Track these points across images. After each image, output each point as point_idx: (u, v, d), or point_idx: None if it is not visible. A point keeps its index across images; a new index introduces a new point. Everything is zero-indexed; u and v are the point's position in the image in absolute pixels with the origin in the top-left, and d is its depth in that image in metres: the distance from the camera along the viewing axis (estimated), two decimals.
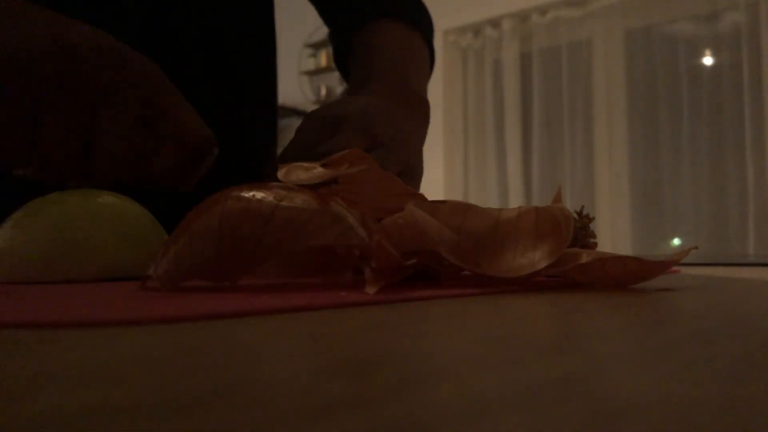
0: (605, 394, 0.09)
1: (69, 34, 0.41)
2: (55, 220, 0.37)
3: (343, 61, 0.69)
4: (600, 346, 0.13)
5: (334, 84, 3.59)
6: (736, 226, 2.49)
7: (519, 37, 3.00)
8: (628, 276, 0.30)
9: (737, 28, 2.49)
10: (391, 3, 0.64)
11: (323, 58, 3.59)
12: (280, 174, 0.32)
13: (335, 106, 0.52)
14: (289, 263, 0.34)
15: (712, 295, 0.27)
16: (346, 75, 0.70)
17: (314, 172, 0.31)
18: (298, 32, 3.63)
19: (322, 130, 0.49)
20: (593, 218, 0.37)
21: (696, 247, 0.33)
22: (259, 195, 0.28)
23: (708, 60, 2.60)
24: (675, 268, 0.47)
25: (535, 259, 0.30)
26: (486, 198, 3.01)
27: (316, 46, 3.61)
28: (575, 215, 0.36)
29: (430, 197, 0.34)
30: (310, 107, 3.65)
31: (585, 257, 0.30)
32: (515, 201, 2.90)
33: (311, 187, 0.30)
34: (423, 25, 0.65)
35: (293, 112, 3.67)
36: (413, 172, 0.51)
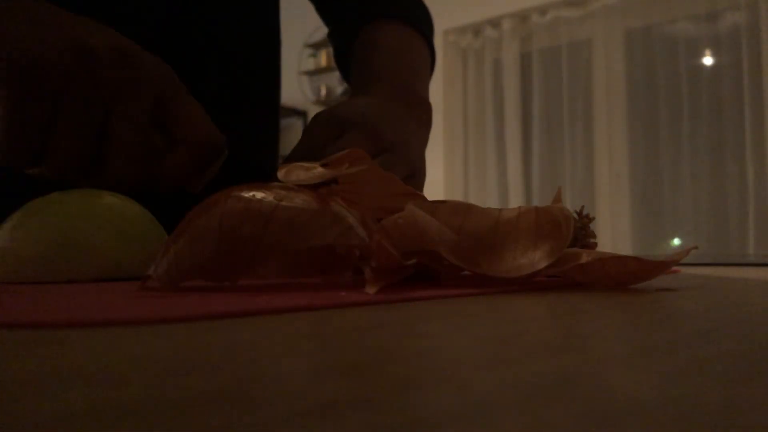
0: (605, 394, 0.09)
1: (86, 36, 0.41)
2: (55, 220, 0.37)
3: (343, 61, 0.69)
4: (600, 346, 0.13)
5: (334, 84, 3.59)
6: (736, 226, 2.49)
7: (519, 37, 3.00)
8: (628, 276, 0.30)
9: (737, 28, 2.49)
10: (392, 3, 0.64)
11: (323, 58, 3.59)
12: (280, 174, 0.32)
13: (341, 109, 0.52)
14: (289, 263, 0.34)
15: (712, 295, 0.27)
16: (346, 75, 0.70)
17: (314, 172, 0.31)
18: (298, 32, 3.63)
19: (328, 132, 0.50)
20: (593, 218, 0.37)
21: (696, 247, 0.33)
22: (259, 195, 0.28)
23: (708, 60, 2.60)
24: (675, 268, 0.47)
25: (535, 259, 0.30)
26: (486, 198, 3.02)
27: (316, 46, 3.61)
28: (575, 215, 0.36)
29: (430, 197, 0.34)
30: (310, 107, 3.66)
31: (585, 257, 0.30)
32: (515, 201, 2.91)
33: (311, 187, 0.30)
34: (423, 25, 0.65)
35: (293, 112, 3.67)
36: (418, 174, 0.52)
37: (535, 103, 2.94)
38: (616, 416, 0.08)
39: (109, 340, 0.14)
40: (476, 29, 3.11)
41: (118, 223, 0.38)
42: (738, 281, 0.36)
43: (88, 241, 0.37)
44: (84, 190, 0.40)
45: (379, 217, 0.32)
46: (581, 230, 0.36)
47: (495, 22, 3.03)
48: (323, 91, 3.61)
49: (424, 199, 0.34)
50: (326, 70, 3.59)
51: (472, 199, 3.03)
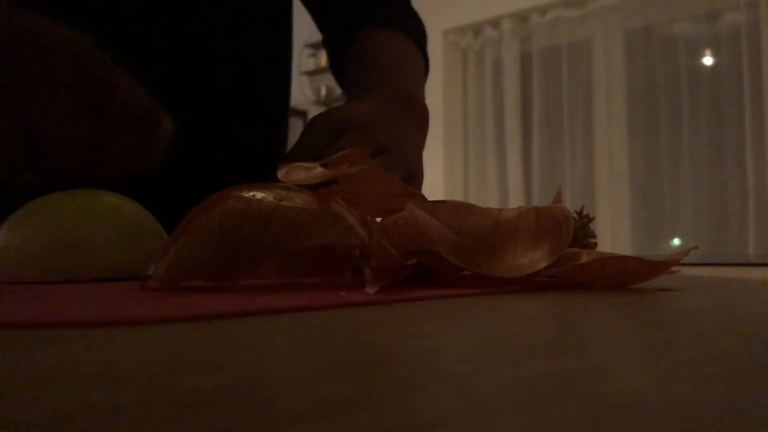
0: (605, 394, 0.09)
1: None
2: (55, 220, 0.37)
3: (338, 67, 0.69)
4: (600, 346, 0.13)
5: (334, 84, 3.57)
6: (736, 226, 2.49)
7: (519, 37, 3.00)
8: (628, 276, 0.30)
9: (737, 28, 2.49)
10: (386, 11, 0.64)
11: (323, 58, 3.59)
12: (280, 174, 0.32)
13: (339, 111, 0.52)
14: (289, 263, 0.34)
15: (712, 295, 0.27)
16: (341, 80, 0.70)
17: (314, 172, 0.31)
18: (298, 32, 3.60)
19: (327, 134, 0.49)
20: (593, 218, 0.37)
21: (696, 247, 0.33)
22: (259, 195, 0.28)
23: (708, 60, 2.60)
24: (675, 268, 0.47)
25: (535, 259, 0.30)
26: (486, 198, 3.02)
27: (316, 46, 3.61)
28: (575, 215, 0.36)
29: (430, 197, 0.34)
30: (310, 107, 3.66)
31: (585, 257, 0.30)
32: (515, 201, 2.91)
33: (311, 187, 0.30)
34: (416, 33, 0.65)
35: (293, 111, 3.67)
36: (415, 177, 0.52)
37: (535, 103, 2.94)
38: (616, 416, 0.08)
39: (109, 340, 0.14)
40: (476, 29, 3.11)
41: (118, 223, 0.38)
42: (738, 281, 0.36)
43: (88, 241, 0.37)
44: (84, 190, 0.40)
45: (379, 217, 0.32)
46: (581, 230, 0.36)
47: (495, 22, 3.03)
48: (323, 91, 3.61)
49: (424, 199, 0.34)
50: (326, 70, 3.58)
51: (472, 199, 3.03)
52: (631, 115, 2.74)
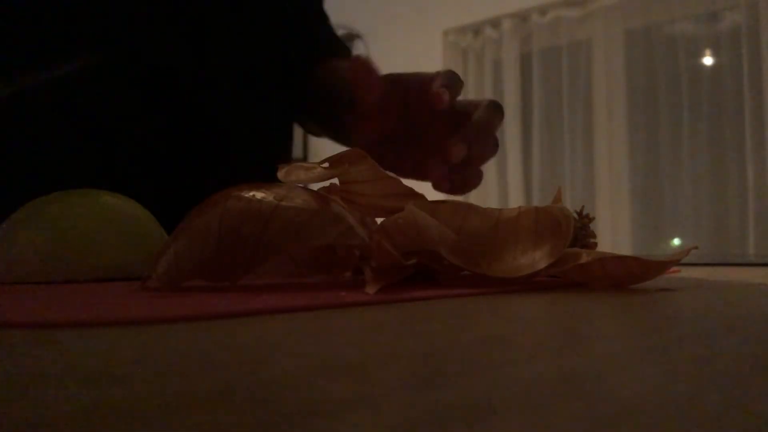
0: (605, 394, 0.09)
1: None
2: (55, 220, 0.37)
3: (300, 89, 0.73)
4: (600, 346, 0.13)
5: None
6: (736, 226, 2.49)
7: (519, 37, 3.00)
8: (628, 276, 0.30)
9: (737, 28, 2.49)
10: (337, 45, 0.76)
11: None
12: (280, 174, 0.32)
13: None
14: (289, 263, 0.34)
15: (712, 295, 0.27)
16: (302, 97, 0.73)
17: (314, 172, 0.31)
18: None
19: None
20: (593, 218, 0.37)
21: (696, 247, 0.33)
22: (259, 195, 0.28)
23: (708, 60, 2.60)
24: (675, 268, 0.47)
25: (535, 259, 0.30)
26: (486, 198, 3.01)
27: None
28: (575, 215, 0.36)
29: (430, 197, 0.34)
30: None
31: (585, 257, 0.30)
32: (515, 201, 2.90)
33: (311, 187, 0.30)
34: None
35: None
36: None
37: (535, 103, 2.93)
38: (616, 416, 0.08)
39: (109, 340, 0.14)
40: (476, 29, 3.11)
41: (118, 223, 0.38)
42: (738, 281, 0.36)
43: (88, 241, 0.37)
44: (84, 190, 0.40)
45: (379, 217, 0.32)
46: (581, 230, 0.36)
47: (495, 22, 3.03)
48: None
49: (424, 199, 0.34)
50: None
51: (472, 199, 3.02)
52: (631, 115, 2.74)
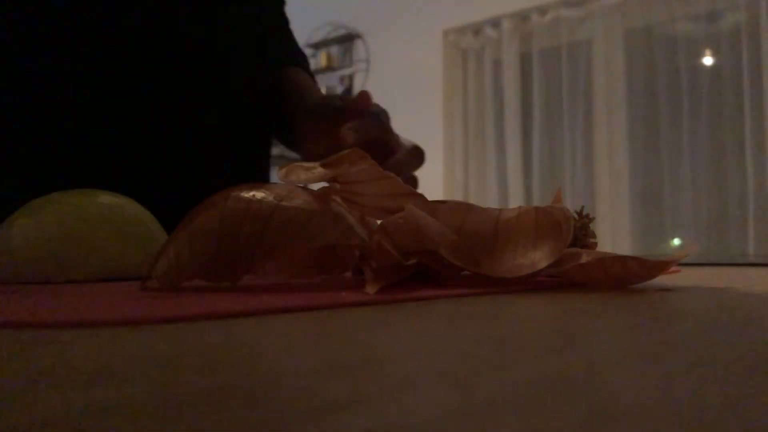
0: (605, 394, 0.09)
1: None
2: (55, 220, 0.37)
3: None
4: (600, 346, 0.13)
5: (334, 84, 3.59)
6: (736, 226, 2.49)
7: (519, 37, 3.00)
8: (628, 276, 0.30)
9: (737, 28, 2.49)
10: (299, 56, 0.81)
11: (323, 58, 3.59)
12: (280, 174, 0.32)
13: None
14: (289, 263, 0.34)
15: (712, 295, 0.27)
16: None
17: (314, 172, 0.31)
18: (298, 32, 3.61)
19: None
20: (593, 218, 0.37)
21: (696, 247, 0.33)
22: (259, 195, 0.28)
23: (708, 60, 2.60)
24: (675, 268, 0.47)
25: (535, 259, 0.30)
26: (486, 198, 3.01)
27: (316, 46, 3.61)
28: (575, 215, 0.36)
29: (430, 197, 0.34)
30: None
31: (585, 257, 0.30)
32: (515, 201, 2.90)
33: (311, 187, 0.30)
34: (309, 67, 0.82)
35: None
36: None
37: (535, 103, 2.94)
38: (616, 416, 0.08)
39: (109, 340, 0.14)
40: (476, 29, 3.11)
41: (118, 223, 0.38)
42: (738, 281, 0.36)
43: (88, 241, 0.37)
44: (84, 190, 0.40)
45: (379, 217, 0.32)
46: (581, 230, 0.36)
47: (495, 22, 3.03)
48: (323, 91, 3.61)
49: (424, 199, 0.34)
50: (326, 70, 3.59)
51: (472, 199, 3.03)
52: (631, 115, 2.74)
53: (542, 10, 2.89)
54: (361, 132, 0.49)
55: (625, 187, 2.73)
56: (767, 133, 2.40)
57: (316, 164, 0.32)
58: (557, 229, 0.31)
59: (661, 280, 0.36)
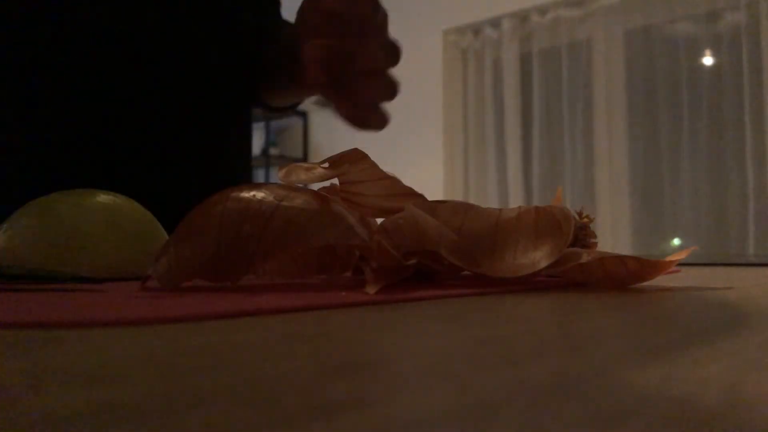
0: (605, 394, 0.09)
1: None
2: (55, 220, 0.37)
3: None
4: (600, 346, 0.13)
5: None
6: (736, 226, 2.49)
7: (519, 37, 3.00)
8: (628, 276, 0.30)
9: (737, 28, 2.49)
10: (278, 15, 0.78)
11: None
12: (280, 174, 0.32)
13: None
14: (289, 263, 0.34)
15: (712, 295, 0.27)
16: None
17: (314, 172, 0.31)
18: None
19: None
20: (593, 218, 0.37)
21: (696, 247, 0.33)
22: (259, 195, 0.28)
23: (708, 60, 2.60)
24: (675, 268, 0.47)
25: (535, 259, 0.30)
26: (486, 198, 3.01)
27: None
28: (575, 215, 0.36)
29: (430, 197, 0.34)
30: (311, 107, 3.66)
31: (585, 257, 0.30)
32: (515, 201, 2.90)
33: (311, 187, 0.30)
34: None
35: (293, 111, 3.67)
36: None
37: (535, 103, 2.93)
38: (616, 416, 0.08)
39: (109, 340, 0.14)
40: (476, 29, 3.11)
41: (118, 223, 0.38)
42: (738, 281, 0.36)
43: (88, 241, 0.37)
44: (84, 190, 0.40)
45: (379, 217, 0.32)
46: (581, 230, 0.36)
47: (495, 22, 3.03)
48: None
49: (424, 199, 0.34)
50: None
51: (472, 199, 3.03)
52: (631, 115, 2.74)
53: (542, 10, 2.89)
54: (319, 46, 0.45)
55: (625, 187, 2.73)
56: (767, 133, 2.40)
57: (316, 164, 0.32)
58: (557, 229, 0.31)
59: (661, 280, 0.36)
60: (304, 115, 3.66)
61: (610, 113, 2.76)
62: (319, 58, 0.45)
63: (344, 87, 0.49)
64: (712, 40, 2.57)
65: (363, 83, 0.48)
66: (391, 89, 0.50)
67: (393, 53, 0.49)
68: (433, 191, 2.94)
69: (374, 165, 0.32)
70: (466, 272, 0.33)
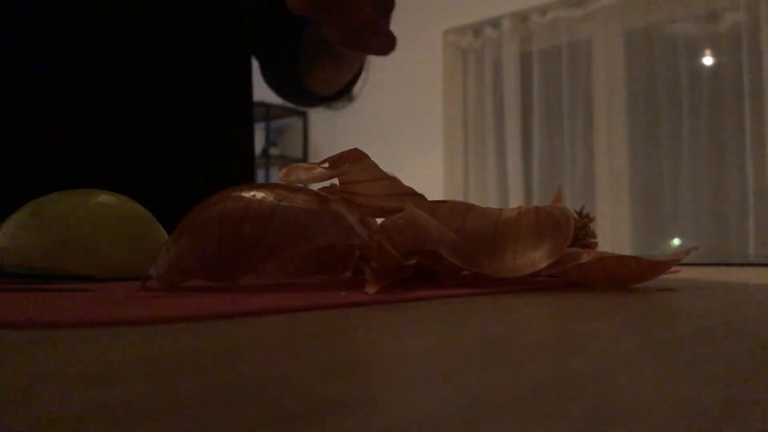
0: (605, 394, 0.09)
1: None
2: (55, 220, 0.37)
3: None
4: (600, 346, 0.13)
5: None
6: (736, 226, 2.49)
7: (519, 37, 2.99)
8: (628, 276, 0.30)
9: (737, 28, 2.49)
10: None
11: None
12: (281, 174, 0.32)
13: None
14: (289, 263, 0.34)
15: (712, 295, 0.27)
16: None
17: (314, 172, 0.31)
18: None
19: None
20: (593, 218, 0.37)
21: (696, 247, 0.33)
22: (259, 195, 0.28)
23: (708, 60, 2.60)
24: (675, 268, 0.47)
25: (535, 259, 0.30)
26: (486, 198, 3.01)
27: None
28: (575, 215, 0.36)
29: (430, 197, 0.34)
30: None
31: (585, 257, 0.30)
32: (515, 201, 2.90)
33: (311, 187, 0.30)
34: None
35: (293, 111, 3.67)
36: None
37: (535, 103, 2.93)
38: (616, 416, 0.08)
39: (109, 340, 0.14)
40: (476, 29, 3.11)
41: (118, 223, 0.38)
42: (738, 281, 0.36)
43: (88, 241, 0.37)
44: (84, 190, 0.40)
45: (379, 217, 0.32)
46: (581, 230, 0.36)
47: (495, 22, 3.03)
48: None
49: (424, 199, 0.34)
50: None
51: (472, 199, 3.03)
52: (631, 115, 2.74)
53: (542, 10, 2.89)
54: None
55: (625, 187, 2.73)
56: (767, 133, 2.40)
57: (316, 164, 0.32)
58: (557, 229, 0.31)
59: (661, 280, 0.36)
60: (304, 115, 3.66)
61: (610, 113, 2.76)
62: None
63: (330, 8, 0.45)
64: (712, 40, 2.57)
65: (353, 3, 0.45)
66: (386, 3, 0.47)
67: None
68: (433, 191, 2.94)
69: (374, 165, 0.32)
70: (466, 272, 0.33)
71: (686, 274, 0.44)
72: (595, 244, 0.37)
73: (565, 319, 0.18)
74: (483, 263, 0.31)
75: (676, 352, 0.13)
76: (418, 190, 0.34)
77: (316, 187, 0.34)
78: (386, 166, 0.33)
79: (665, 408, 0.08)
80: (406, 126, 3.24)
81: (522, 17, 2.97)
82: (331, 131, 3.56)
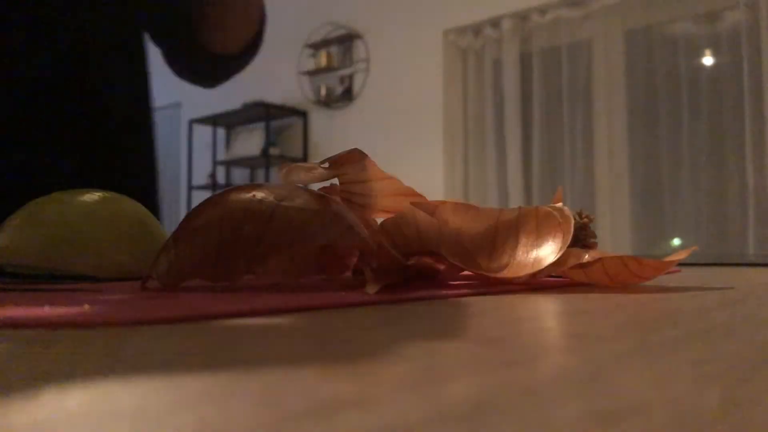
0: (605, 395, 0.09)
1: None
2: (55, 220, 0.37)
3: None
4: (600, 346, 0.13)
5: (334, 84, 3.59)
6: (736, 226, 2.49)
7: (519, 37, 3.00)
8: (628, 276, 0.30)
9: (737, 28, 2.49)
10: None
11: (323, 58, 3.59)
12: (281, 174, 0.32)
13: None
14: (289, 263, 0.34)
15: (712, 295, 0.27)
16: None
17: (314, 172, 0.31)
18: (298, 32, 3.63)
19: None
20: (593, 218, 0.37)
21: (696, 248, 0.33)
22: (259, 195, 0.28)
23: (708, 60, 2.60)
24: (675, 268, 0.47)
25: (535, 259, 0.30)
26: (486, 198, 3.02)
27: (316, 46, 3.61)
28: (575, 215, 0.36)
29: (430, 197, 0.34)
30: (311, 107, 3.66)
31: (585, 257, 0.30)
32: (515, 201, 2.90)
33: (311, 187, 0.30)
34: None
35: (293, 111, 3.67)
36: None
37: (535, 103, 2.93)
38: (616, 416, 0.08)
39: (110, 340, 0.14)
40: (476, 29, 3.11)
41: (118, 223, 0.38)
42: (738, 281, 0.36)
43: (88, 241, 0.37)
44: (83, 190, 0.40)
45: (379, 217, 0.32)
46: (581, 230, 0.36)
47: (495, 22, 3.03)
48: (323, 91, 3.61)
49: (424, 199, 0.34)
50: (326, 70, 3.59)
51: (472, 199, 3.03)
52: (631, 115, 2.74)
53: (542, 10, 2.89)
54: None
55: (625, 187, 2.73)
56: (767, 133, 2.40)
57: (316, 164, 0.32)
58: (557, 229, 0.31)
59: (661, 280, 0.36)
60: (303, 114, 3.66)
61: (610, 113, 2.76)
62: None
63: None
64: (712, 40, 2.57)
65: None
66: None
67: None
68: (433, 191, 2.94)
69: (374, 165, 0.32)
70: (466, 272, 0.33)
71: (686, 274, 0.44)
72: (595, 244, 0.37)
73: (565, 319, 0.18)
74: (483, 263, 0.31)
75: (676, 352, 0.13)
76: (418, 190, 0.34)
77: (316, 187, 0.34)
78: (386, 166, 0.33)
79: (665, 408, 0.08)
80: (406, 126, 3.24)
81: (522, 17, 2.97)
82: (331, 131, 3.56)
